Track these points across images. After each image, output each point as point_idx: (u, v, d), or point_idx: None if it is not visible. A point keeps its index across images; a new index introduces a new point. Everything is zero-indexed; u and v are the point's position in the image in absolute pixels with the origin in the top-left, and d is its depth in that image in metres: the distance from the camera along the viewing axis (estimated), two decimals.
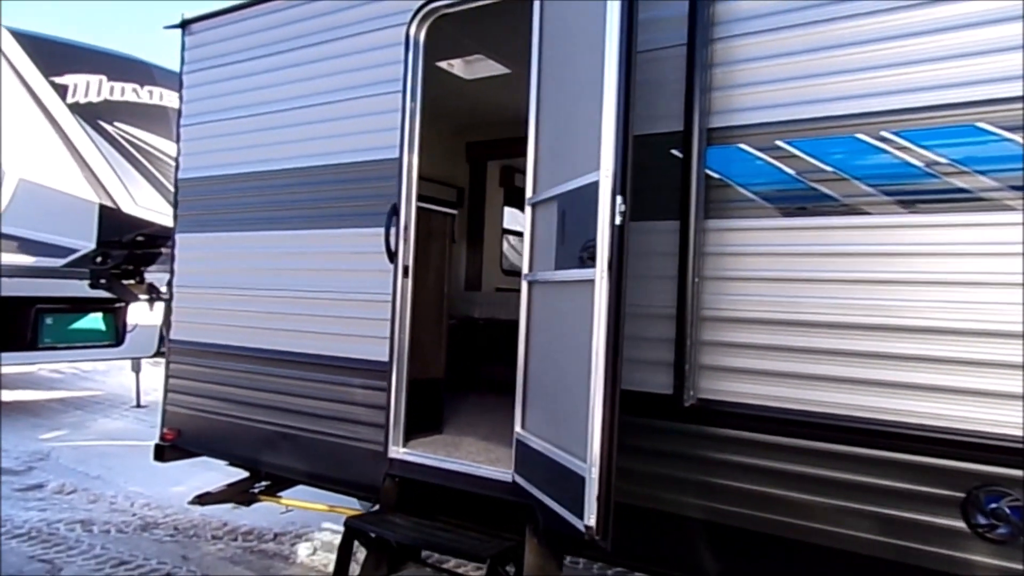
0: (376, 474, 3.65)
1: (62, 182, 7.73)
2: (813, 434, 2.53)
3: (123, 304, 8.90)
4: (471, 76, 5.44)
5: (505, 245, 7.84)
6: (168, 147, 8.14)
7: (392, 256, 3.69)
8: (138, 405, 10.33)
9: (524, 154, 3.15)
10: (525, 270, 3.18)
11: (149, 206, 8.17)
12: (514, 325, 3.23)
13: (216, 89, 4.57)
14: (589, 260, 2.45)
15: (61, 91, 7.71)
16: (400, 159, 3.69)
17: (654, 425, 2.81)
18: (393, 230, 3.68)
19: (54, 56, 7.77)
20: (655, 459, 2.81)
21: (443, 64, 5.21)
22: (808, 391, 2.55)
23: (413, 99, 3.68)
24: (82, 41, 8.33)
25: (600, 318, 2.39)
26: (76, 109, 7.92)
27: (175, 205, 4.80)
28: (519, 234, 5.51)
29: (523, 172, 3.21)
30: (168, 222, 8.16)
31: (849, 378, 2.49)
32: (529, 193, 3.16)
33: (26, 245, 7.57)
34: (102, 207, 7.96)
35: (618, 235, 2.39)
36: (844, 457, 2.48)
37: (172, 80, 8.75)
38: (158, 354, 9.07)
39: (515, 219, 7.58)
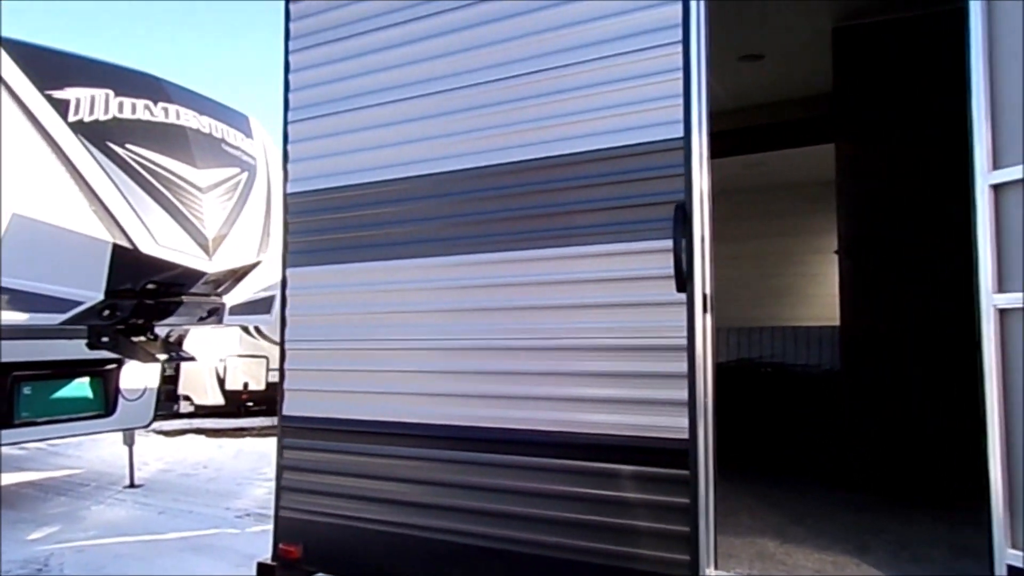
0: None
1: (65, 217, 6.20)
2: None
3: (114, 366, 7.35)
4: None
5: None
6: (191, 174, 6.73)
7: (683, 282, 2.51)
8: (132, 485, 8.63)
9: None
10: (988, 289, 2.04)
11: (172, 245, 6.67)
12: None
13: (344, 69, 3.35)
14: None
15: (61, 107, 6.26)
16: (687, 137, 2.55)
17: None
18: (683, 243, 2.51)
19: (51, 67, 6.34)
20: None
21: None
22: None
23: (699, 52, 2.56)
24: (83, 53, 6.89)
25: None
26: (80, 128, 6.43)
27: (285, 230, 3.50)
28: None
29: None
30: (195, 263, 6.68)
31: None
32: (984, 165, 2.05)
33: (19, 299, 6.02)
34: (115, 247, 6.43)
35: None
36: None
37: (188, 99, 7.29)
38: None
39: None
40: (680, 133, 2.57)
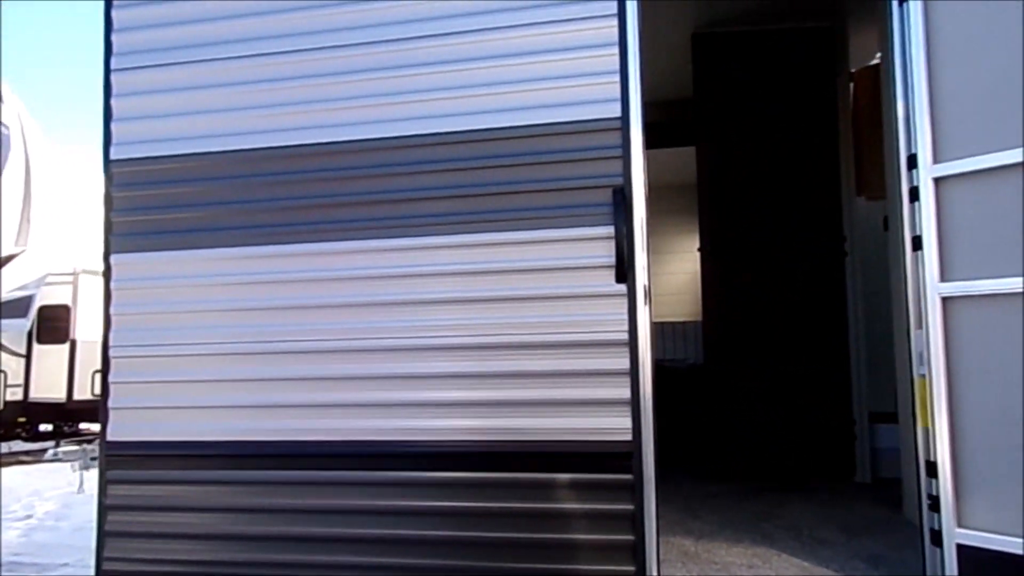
0: None
1: None
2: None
3: None
4: None
5: None
6: None
7: (623, 272, 2.33)
8: None
9: None
10: (932, 278, 2.10)
11: None
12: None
13: (197, 9, 2.72)
14: None
15: None
16: (625, 116, 2.37)
17: None
18: (624, 230, 2.33)
19: None
20: None
21: None
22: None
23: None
24: None
25: None
26: None
27: (107, 206, 2.74)
28: None
29: None
30: None
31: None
32: (927, 159, 2.11)
33: None
34: None
35: None
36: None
37: None
38: None
39: None
40: (618, 112, 2.39)
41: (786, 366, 4.13)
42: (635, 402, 2.32)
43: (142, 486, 2.64)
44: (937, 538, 2.11)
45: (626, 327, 2.35)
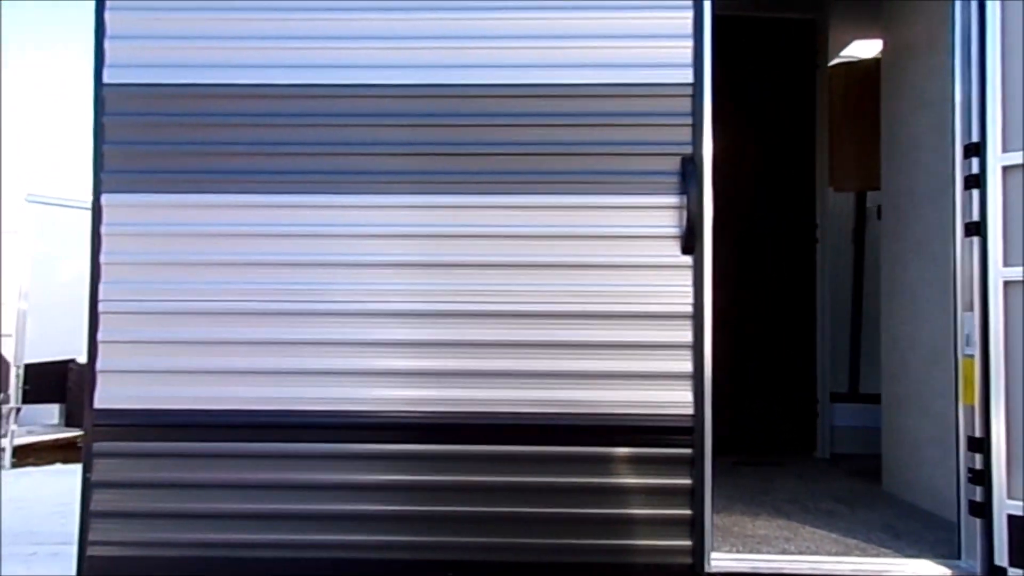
0: None
1: None
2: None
3: None
4: None
5: None
6: None
7: (691, 243, 2.28)
8: None
9: None
10: (996, 263, 2.18)
11: None
12: None
13: None
14: None
15: None
16: (698, 82, 2.31)
17: None
18: (684, 199, 2.28)
19: None
20: None
21: None
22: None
23: None
24: None
25: None
26: None
27: (98, 137, 2.36)
28: None
29: None
30: None
31: None
32: (996, 148, 2.19)
33: None
34: None
35: None
36: None
37: None
38: None
39: None
40: (690, 79, 2.32)
41: (756, 345, 4.26)
42: (697, 375, 2.29)
43: (134, 459, 2.32)
44: (978, 509, 2.23)
45: (691, 299, 2.30)
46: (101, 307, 2.33)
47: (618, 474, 2.29)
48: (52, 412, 7.82)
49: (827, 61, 4.49)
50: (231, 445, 2.33)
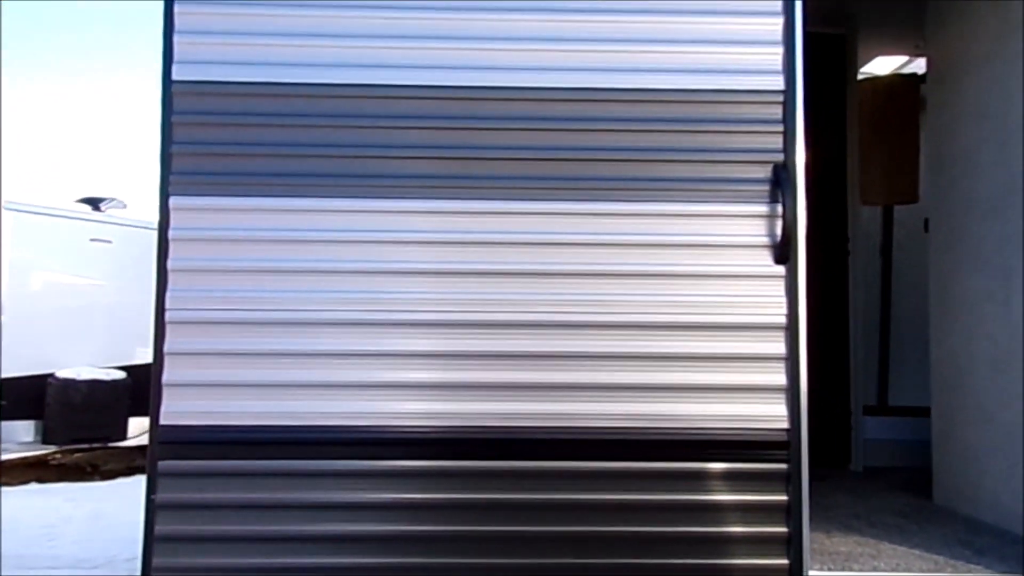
0: None
1: None
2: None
3: None
4: None
5: None
6: None
7: (786, 253, 2.23)
8: None
9: None
10: None
11: None
12: None
13: None
14: None
15: None
16: (790, 89, 2.28)
17: None
18: (775, 208, 2.23)
19: None
20: None
21: None
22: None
23: None
24: None
25: None
26: None
27: (165, 139, 2.24)
28: None
29: None
30: None
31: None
32: None
33: None
34: None
35: None
36: None
37: None
38: None
39: None
40: (781, 85, 2.29)
41: None
42: (793, 388, 2.23)
43: (203, 479, 2.18)
44: None
45: (784, 310, 2.25)
46: (170, 316, 2.20)
47: (711, 490, 2.21)
48: (28, 429, 7.49)
49: (856, 76, 4.52)
50: (309, 464, 2.21)
